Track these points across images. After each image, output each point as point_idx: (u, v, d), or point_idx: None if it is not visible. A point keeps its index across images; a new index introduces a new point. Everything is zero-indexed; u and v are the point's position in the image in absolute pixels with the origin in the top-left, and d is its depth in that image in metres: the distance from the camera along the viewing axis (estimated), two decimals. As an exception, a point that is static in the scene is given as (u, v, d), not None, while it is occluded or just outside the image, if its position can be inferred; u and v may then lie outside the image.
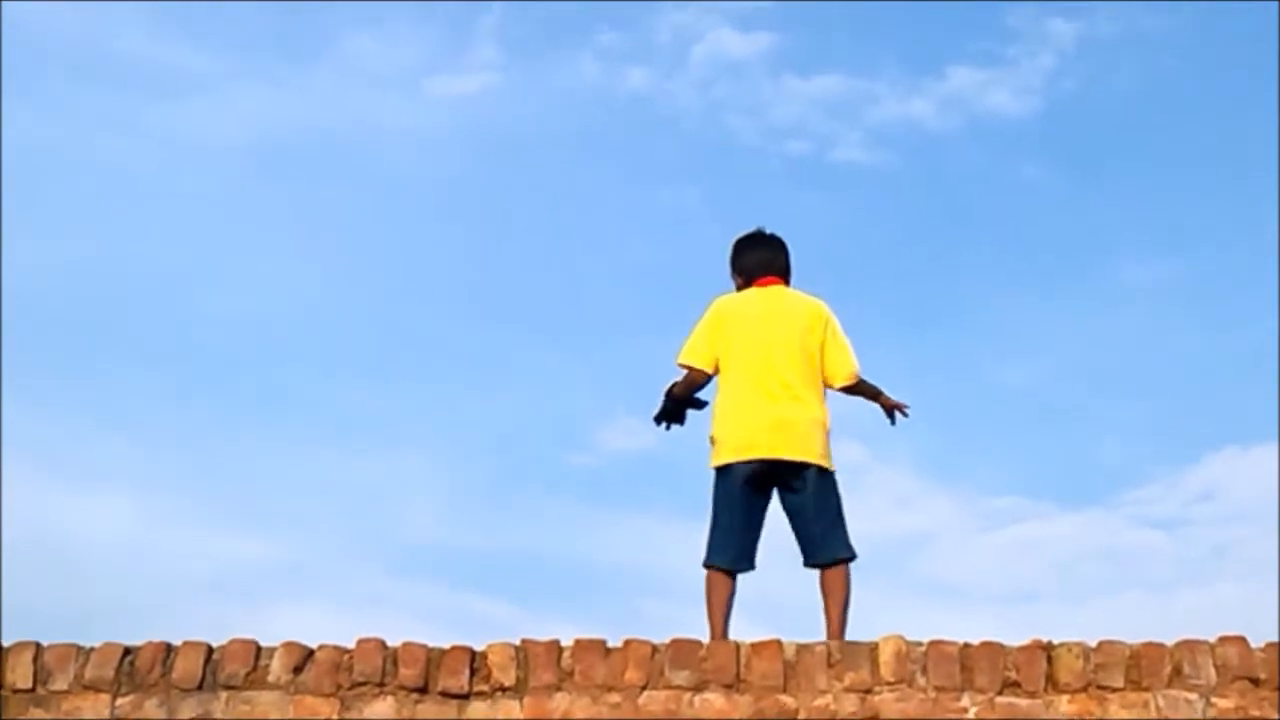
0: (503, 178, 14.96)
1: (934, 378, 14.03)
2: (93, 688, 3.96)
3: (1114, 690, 3.88)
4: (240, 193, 14.49)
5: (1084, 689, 3.88)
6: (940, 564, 13.79)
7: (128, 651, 4.00)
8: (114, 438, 12.64)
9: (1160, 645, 3.93)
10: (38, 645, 4.02)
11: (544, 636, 4.00)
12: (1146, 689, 3.88)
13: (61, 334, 13.31)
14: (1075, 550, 14.07)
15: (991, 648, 3.92)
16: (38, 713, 3.95)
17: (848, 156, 14.82)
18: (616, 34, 15.13)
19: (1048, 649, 3.92)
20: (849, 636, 4.50)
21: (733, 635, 4.52)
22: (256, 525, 12.29)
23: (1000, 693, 3.87)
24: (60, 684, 3.97)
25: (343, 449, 13.05)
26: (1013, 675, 3.90)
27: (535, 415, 13.18)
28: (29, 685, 3.97)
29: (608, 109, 14.91)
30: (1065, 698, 3.88)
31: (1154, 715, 3.85)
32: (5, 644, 4.03)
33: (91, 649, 4.01)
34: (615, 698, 3.91)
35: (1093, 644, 3.94)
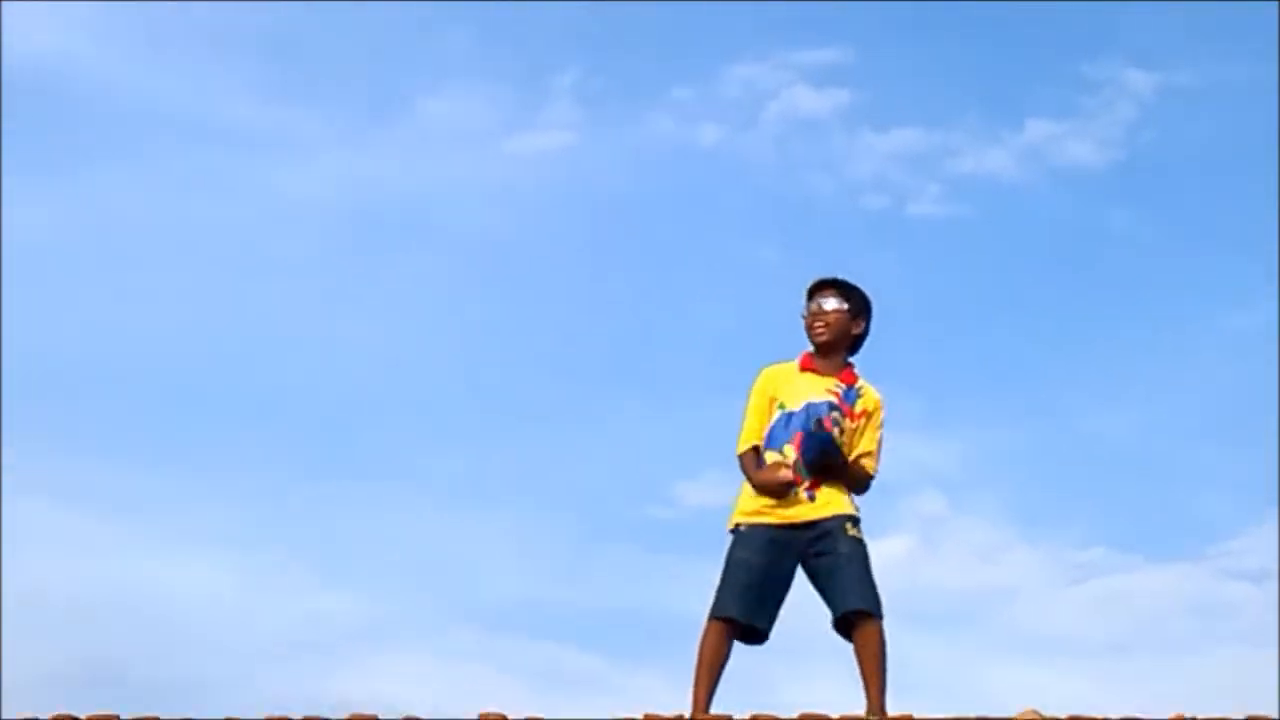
0: (581, 235, 14.95)
1: (1021, 429, 13.76)
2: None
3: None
4: (326, 254, 14.54)
5: (1229, 763, 3.66)
6: (1025, 618, 13.45)
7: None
8: (208, 498, 12.69)
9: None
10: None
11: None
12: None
13: (158, 396, 13.37)
14: (1165, 603, 13.69)
15: (1132, 722, 3.69)
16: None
17: (927, 210, 14.69)
18: (688, 90, 15.09)
19: (1189, 724, 3.70)
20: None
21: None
22: (348, 584, 12.28)
23: (1141, 767, 3.66)
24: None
25: (431, 508, 13.02)
26: (1153, 749, 3.66)
27: (617, 471, 13.07)
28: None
29: (683, 166, 14.87)
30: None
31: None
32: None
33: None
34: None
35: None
